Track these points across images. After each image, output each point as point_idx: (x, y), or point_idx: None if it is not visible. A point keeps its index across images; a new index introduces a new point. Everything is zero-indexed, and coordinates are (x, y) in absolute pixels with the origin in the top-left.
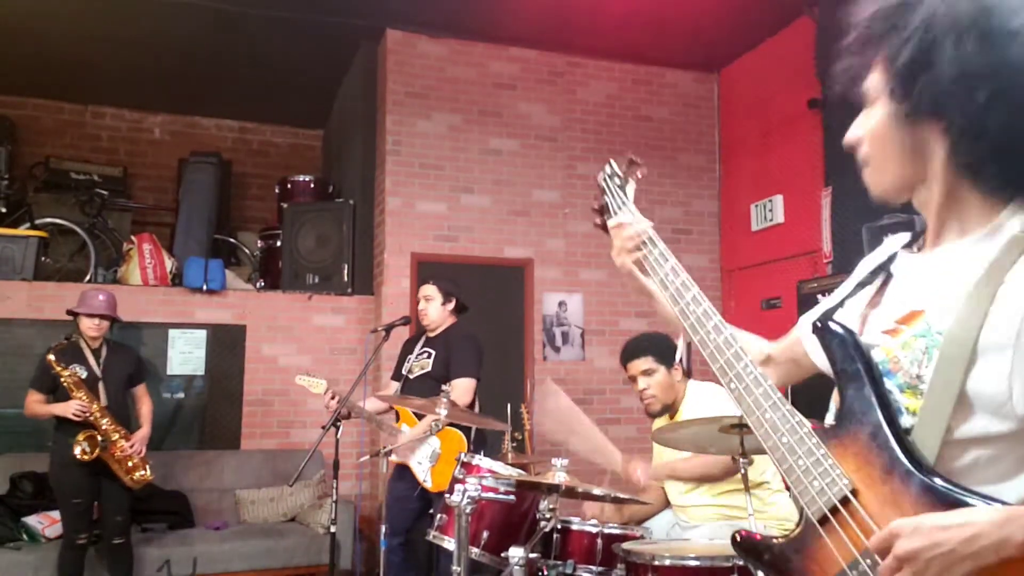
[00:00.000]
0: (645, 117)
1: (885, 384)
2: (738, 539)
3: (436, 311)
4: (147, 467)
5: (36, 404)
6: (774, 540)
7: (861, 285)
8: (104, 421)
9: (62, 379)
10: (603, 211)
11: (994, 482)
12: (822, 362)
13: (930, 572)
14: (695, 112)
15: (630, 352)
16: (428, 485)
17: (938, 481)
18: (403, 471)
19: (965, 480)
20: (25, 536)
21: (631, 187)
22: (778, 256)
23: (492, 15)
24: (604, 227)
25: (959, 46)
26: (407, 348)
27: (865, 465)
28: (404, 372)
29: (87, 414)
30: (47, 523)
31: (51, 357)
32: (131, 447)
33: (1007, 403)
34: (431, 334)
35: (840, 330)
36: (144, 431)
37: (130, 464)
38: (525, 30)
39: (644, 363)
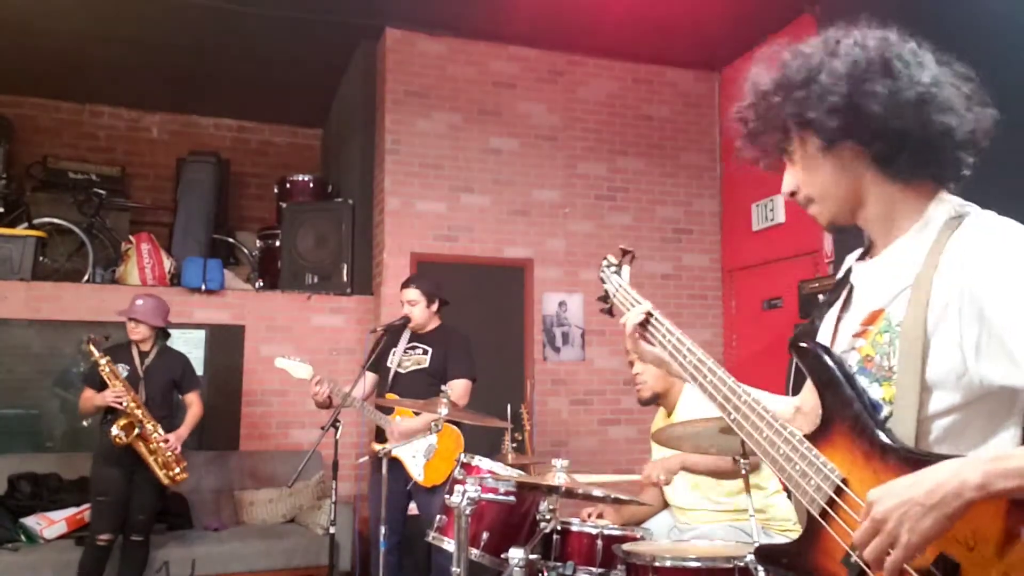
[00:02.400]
0: (646, 116)
1: (861, 381)
2: (758, 550)
3: (421, 313)
4: (183, 466)
5: (86, 400)
6: (788, 544)
7: (828, 304)
8: (140, 412)
9: (99, 366)
10: (607, 298)
11: (969, 449)
12: None
13: (903, 528)
14: (696, 111)
15: None
16: (420, 480)
17: (912, 452)
18: (395, 467)
19: (943, 451)
20: (23, 537)
21: (626, 270)
22: (779, 256)
23: (492, 14)
24: (611, 312)
25: (860, 85)
26: (390, 340)
27: (850, 454)
28: (390, 365)
29: (123, 402)
30: (45, 524)
31: (90, 347)
32: (165, 442)
33: (964, 372)
34: (419, 331)
35: (811, 345)
36: (180, 431)
37: (163, 460)
38: (525, 29)
39: None
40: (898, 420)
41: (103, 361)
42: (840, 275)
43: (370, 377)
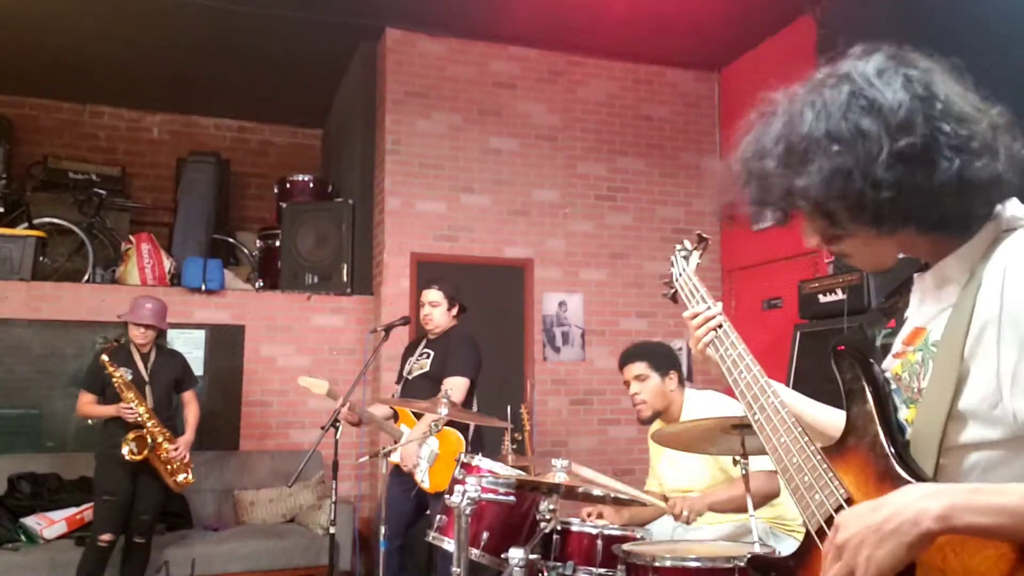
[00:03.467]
0: (646, 116)
1: (894, 401)
2: (751, 560)
3: (441, 316)
4: (190, 471)
5: (87, 405)
6: (783, 556)
7: (884, 313)
8: (151, 423)
9: (113, 379)
10: (671, 282)
11: None
12: None
13: (861, 555)
14: (696, 111)
15: (626, 357)
16: (426, 486)
17: (924, 481)
18: (400, 471)
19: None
20: (23, 537)
21: (695, 257)
22: (779, 256)
23: (492, 14)
24: (673, 298)
25: (900, 174)
26: (408, 351)
27: (862, 475)
28: (404, 374)
29: (135, 416)
30: (45, 524)
31: (104, 358)
32: (175, 450)
33: (999, 403)
34: (432, 336)
35: (850, 354)
36: (188, 436)
37: (173, 467)
38: (525, 29)
39: (638, 368)
40: (919, 446)
41: (117, 374)
42: (899, 285)
43: (397, 390)
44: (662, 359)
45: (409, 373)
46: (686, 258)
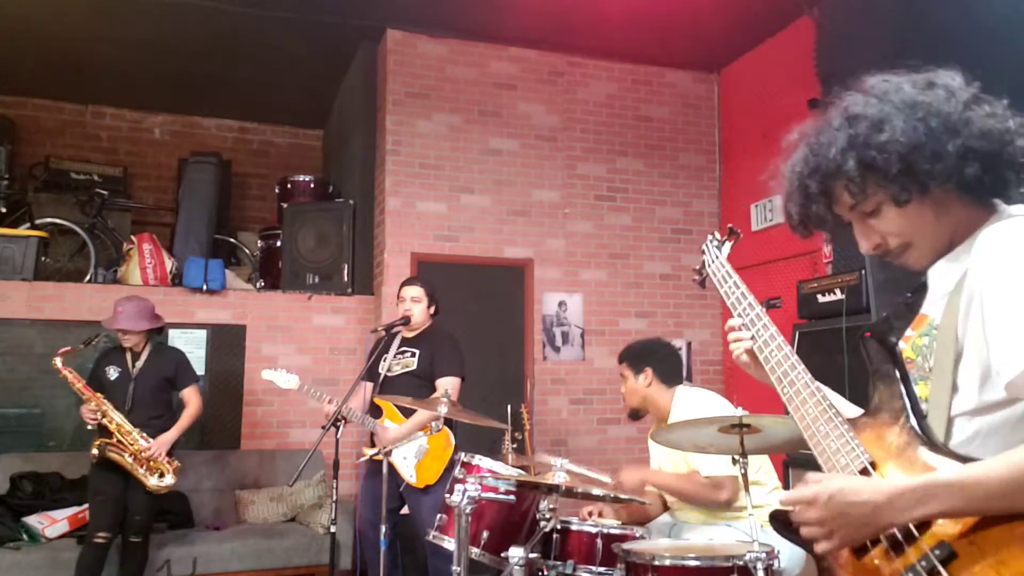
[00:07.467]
0: (645, 117)
1: (911, 382)
2: (772, 515)
3: (421, 312)
4: (169, 473)
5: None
6: None
7: (906, 305)
8: (114, 425)
9: (68, 383)
10: (701, 269)
11: (1001, 447)
12: None
13: (841, 528)
14: (695, 112)
15: (618, 357)
16: (413, 481)
17: (939, 450)
18: (388, 470)
19: (973, 447)
20: (25, 536)
21: (727, 246)
22: (778, 256)
23: (492, 15)
24: (703, 284)
25: (956, 138)
26: (381, 348)
27: (886, 443)
28: (381, 371)
29: (94, 417)
30: (47, 523)
31: (56, 360)
32: (147, 450)
33: (988, 370)
34: (408, 335)
35: (878, 340)
36: (164, 436)
37: (148, 467)
38: (525, 30)
39: (621, 368)
40: (932, 418)
41: (71, 378)
42: (919, 284)
43: (369, 387)
44: (635, 358)
45: (389, 371)
46: (718, 247)
